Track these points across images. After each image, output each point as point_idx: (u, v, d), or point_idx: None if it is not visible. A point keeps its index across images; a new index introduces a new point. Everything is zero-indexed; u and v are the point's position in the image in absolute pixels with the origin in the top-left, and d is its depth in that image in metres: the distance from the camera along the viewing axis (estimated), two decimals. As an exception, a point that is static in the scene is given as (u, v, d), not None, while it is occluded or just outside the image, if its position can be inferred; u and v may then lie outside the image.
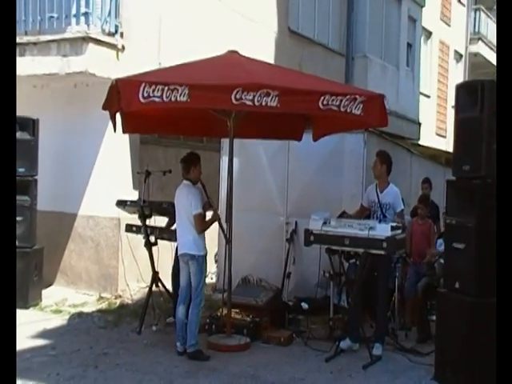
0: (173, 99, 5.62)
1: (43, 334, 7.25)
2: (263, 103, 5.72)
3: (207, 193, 6.94)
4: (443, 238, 6.94)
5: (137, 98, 5.59)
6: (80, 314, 8.13)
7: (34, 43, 8.91)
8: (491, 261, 5.55)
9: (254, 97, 5.69)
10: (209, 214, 6.86)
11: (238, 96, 5.66)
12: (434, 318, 6.66)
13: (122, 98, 5.68)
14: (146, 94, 5.59)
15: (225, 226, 7.10)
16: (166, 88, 5.61)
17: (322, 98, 5.90)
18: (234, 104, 5.74)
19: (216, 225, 7.00)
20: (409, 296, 7.79)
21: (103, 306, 8.68)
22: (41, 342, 6.96)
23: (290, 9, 13.54)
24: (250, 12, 11.77)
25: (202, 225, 6.57)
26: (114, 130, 6.63)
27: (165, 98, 5.62)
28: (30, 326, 7.39)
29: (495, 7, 28.29)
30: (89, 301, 8.91)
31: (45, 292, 9.00)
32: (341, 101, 5.95)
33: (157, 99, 5.61)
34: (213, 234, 7.88)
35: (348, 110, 5.97)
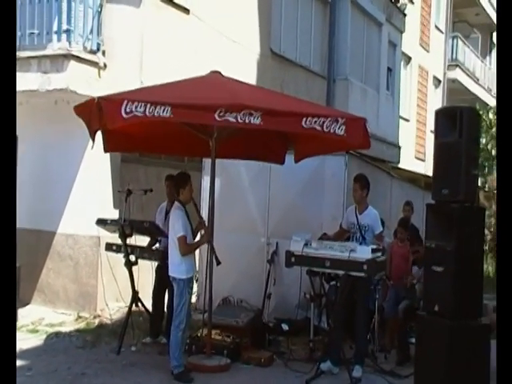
0: (156, 114, 5.63)
1: (19, 355, 7.07)
2: (246, 121, 5.75)
3: (198, 212, 6.97)
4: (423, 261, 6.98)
5: (119, 114, 5.57)
6: (57, 334, 8.03)
7: (15, 59, 8.85)
8: (470, 284, 5.63)
9: (236, 116, 5.72)
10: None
11: (221, 114, 5.69)
12: (414, 340, 6.68)
13: (104, 116, 5.67)
14: (128, 110, 5.57)
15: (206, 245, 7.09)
16: (149, 105, 5.62)
17: (305, 119, 5.95)
18: (217, 120, 5.75)
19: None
20: (388, 318, 7.81)
21: (81, 325, 8.58)
22: (17, 362, 6.82)
23: (272, 31, 13.63)
24: (233, 33, 11.84)
25: (184, 248, 6.54)
26: (92, 147, 6.56)
27: (147, 113, 5.62)
28: (6, 346, 7.27)
29: (472, 35, 28.97)
30: (67, 320, 8.80)
31: (21, 311, 8.88)
32: (323, 122, 5.98)
33: (139, 114, 5.60)
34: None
35: (331, 131, 6.00)
